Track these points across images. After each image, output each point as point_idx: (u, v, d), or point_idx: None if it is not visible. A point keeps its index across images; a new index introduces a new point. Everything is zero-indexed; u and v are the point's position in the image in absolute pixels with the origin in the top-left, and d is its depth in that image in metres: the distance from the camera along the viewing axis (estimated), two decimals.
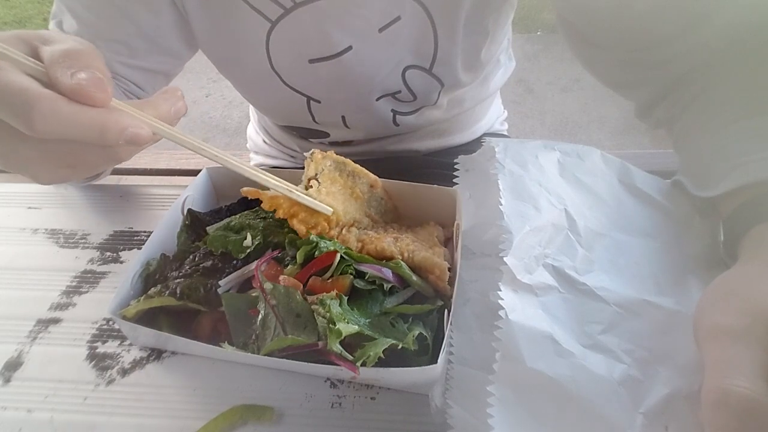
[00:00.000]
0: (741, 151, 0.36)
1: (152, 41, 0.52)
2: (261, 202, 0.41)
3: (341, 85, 0.57)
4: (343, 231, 0.42)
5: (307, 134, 0.68)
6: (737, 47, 0.39)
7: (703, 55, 0.40)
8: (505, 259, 0.34)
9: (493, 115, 0.76)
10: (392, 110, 0.62)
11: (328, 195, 0.42)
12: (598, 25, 0.43)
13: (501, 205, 0.38)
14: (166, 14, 0.51)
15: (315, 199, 0.41)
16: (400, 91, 0.59)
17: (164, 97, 0.32)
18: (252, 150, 0.82)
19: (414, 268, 0.39)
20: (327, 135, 0.67)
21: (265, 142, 0.77)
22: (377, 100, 0.59)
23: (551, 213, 0.38)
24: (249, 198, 0.48)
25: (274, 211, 0.40)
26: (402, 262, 0.39)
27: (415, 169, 0.67)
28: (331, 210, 0.41)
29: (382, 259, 0.39)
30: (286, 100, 0.60)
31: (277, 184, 0.38)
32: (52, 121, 0.26)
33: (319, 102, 0.60)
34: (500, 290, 0.32)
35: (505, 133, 0.80)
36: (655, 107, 0.46)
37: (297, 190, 0.40)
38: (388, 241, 0.40)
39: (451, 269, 0.42)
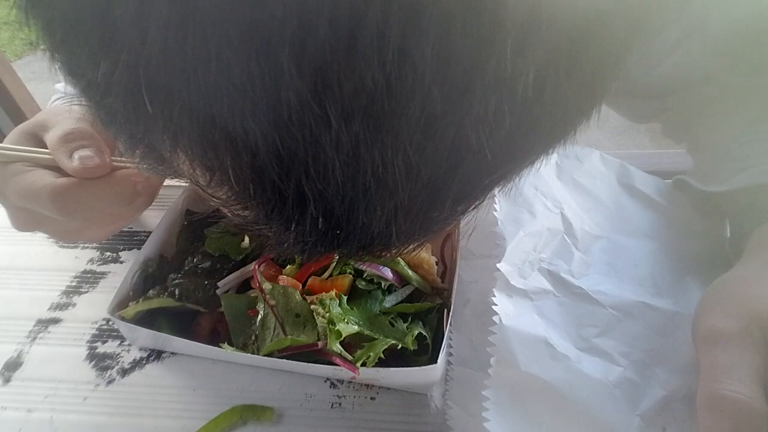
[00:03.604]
0: (757, 150, 0.36)
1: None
2: None
3: None
4: None
5: None
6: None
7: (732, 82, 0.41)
8: (498, 265, 0.34)
9: None
10: None
11: None
12: (627, 80, 0.44)
13: (495, 210, 0.38)
14: None
15: None
16: None
17: None
18: None
19: None
20: None
21: None
22: None
23: (547, 217, 0.38)
24: None
25: None
26: (400, 260, 0.39)
27: None
28: None
29: None
30: None
31: None
32: (74, 206, 0.31)
33: None
34: (494, 296, 0.33)
35: None
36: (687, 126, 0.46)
37: None
38: None
39: (448, 267, 0.42)
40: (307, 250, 0.19)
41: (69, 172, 0.31)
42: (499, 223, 0.37)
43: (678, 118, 0.45)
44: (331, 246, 0.18)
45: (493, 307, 0.32)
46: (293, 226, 0.17)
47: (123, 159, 0.34)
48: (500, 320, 0.31)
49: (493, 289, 0.33)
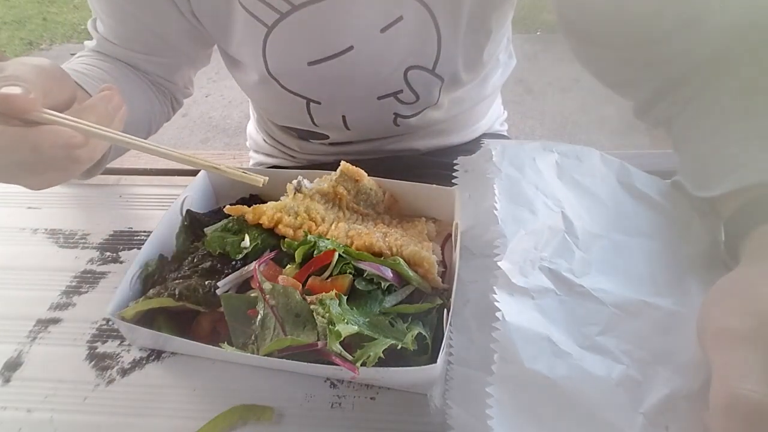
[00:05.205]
0: (741, 152, 0.36)
1: (166, 41, 0.56)
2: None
3: (342, 84, 0.57)
4: (332, 227, 0.43)
5: (307, 135, 0.68)
6: (736, 46, 0.39)
7: (702, 54, 0.40)
8: (499, 263, 0.34)
9: (493, 116, 0.76)
10: (394, 113, 0.62)
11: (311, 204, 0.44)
12: (598, 22, 0.43)
13: (496, 209, 0.38)
14: (174, 21, 0.53)
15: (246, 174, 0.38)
16: (401, 91, 0.59)
17: (101, 97, 0.37)
18: (252, 149, 0.82)
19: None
20: (327, 137, 0.67)
21: (265, 141, 0.77)
22: (379, 99, 0.60)
23: (548, 216, 0.38)
24: (248, 198, 0.48)
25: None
26: (400, 260, 0.39)
27: (414, 169, 0.67)
28: (261, 180, 0.37)
29: (371, 254, 0.40)
30: (286, 103, 0.61)
31: (205, 164, 0.37)
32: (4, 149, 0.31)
33: (319, 103, 0.60)
34: (495, 294, 0.33)
35: (505, 133, 0.79)
36: (654, 106, 0.46)
37: (225, 167, 0.37)
38: (376, 237, 0.41)
39: (448, 268, 0.42)
40: None
41: None
42: (499, 221, 0.37)
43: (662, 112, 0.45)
44: None
45: (495, 304, 0.32)
46: None
47: (56, 113, 0.33)
48: (503, 317, 0.31)
49: (495, 287, 0.33)
